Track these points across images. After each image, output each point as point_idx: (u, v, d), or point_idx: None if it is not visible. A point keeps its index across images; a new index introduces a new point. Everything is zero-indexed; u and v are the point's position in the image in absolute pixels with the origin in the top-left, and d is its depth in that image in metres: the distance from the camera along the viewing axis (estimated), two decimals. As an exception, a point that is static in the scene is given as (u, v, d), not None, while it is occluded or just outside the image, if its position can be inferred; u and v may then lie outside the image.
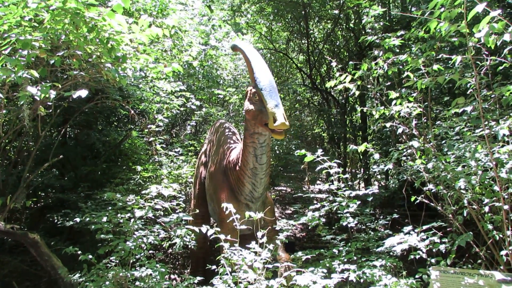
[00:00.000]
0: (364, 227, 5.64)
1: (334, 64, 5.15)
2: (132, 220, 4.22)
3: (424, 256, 4.65)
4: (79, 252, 4.10)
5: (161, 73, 5.13)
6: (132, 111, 6.13)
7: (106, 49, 3.78)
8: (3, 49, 3.29)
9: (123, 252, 3.99)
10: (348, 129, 10.95)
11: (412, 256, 4.67)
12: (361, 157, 10.80)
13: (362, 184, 11.18)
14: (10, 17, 3.44)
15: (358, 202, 5.44)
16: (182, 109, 8.33)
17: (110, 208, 5.81)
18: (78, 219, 4.57)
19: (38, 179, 7.13)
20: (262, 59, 5.01)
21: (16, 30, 3.44)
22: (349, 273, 4.61)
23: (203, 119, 9.42)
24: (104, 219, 4.21)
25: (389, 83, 5.47)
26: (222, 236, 4.52)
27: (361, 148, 4.82)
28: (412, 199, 5.00)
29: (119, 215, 4.32)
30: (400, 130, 4.64)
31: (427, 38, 4.81)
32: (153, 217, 4.58)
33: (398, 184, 7.70)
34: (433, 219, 7.63)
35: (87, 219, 4.43)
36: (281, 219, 6.74)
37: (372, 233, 5.63)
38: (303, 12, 10.04)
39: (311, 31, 10.79)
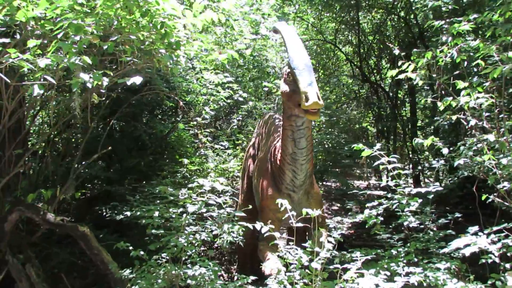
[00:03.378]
0: (422, 226, 5.27)
1: (396, 51, 4.80)
2: (184, 215, 4.02)
3: (497, 260, 4.26)
4: (131, 247, 3.94)
5: (217, 61, 4.89)
6: (181, 102, 5.95)
7: (159, 34, 3.58)
8: (55, 33, 3.13)
9: (175, 248, 3.79)
10: (398, 123, 10.50)
11: (483, 260, 4.30)
12: (410, 153, 10.33)
13: (411, 181, 10.72)
14: (62, 1, 3.29)
15: (420, 200, 5.09)
16: (228, 101, 8.13)
17: (158, 201, 5.68)
18: (128, 213, 4.40)
19: (85, 170, 7.08)
20: (297, 37, 4.73)
21: (69, 14, 3.28)
22: (413, 276, 4.28)
23: (248, 112, 9.17)
24: (156, 213, 4.02)
25: (456, 72, 5.06)
26: (277, 234, 4.28)
27: (428, 142, 4.46)
28: (484, 197, 4.60)
29: (170, 209, 4.12)
30: (472, 123, 4.25)
31: (502, 22, 4.38)
32: (203, 213, 4.36)
33: (456, 181, 7.26)
34: (493, 219, 7.18)
35: (138, 213, 4.26)
36: (333, 216, 6.44)
37: (431, 233, 5.26)
38: (353, 1, 9.65)
39: (361, 21, 10.37)
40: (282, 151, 4.92)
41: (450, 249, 4.67)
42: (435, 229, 5.46)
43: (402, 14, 10.02)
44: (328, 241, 4.42)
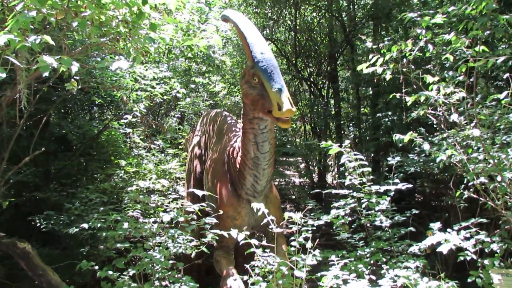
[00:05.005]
0: (382, 224, 5.15)
1: (369, 44, 4.60)
2: (155, 225, 3.47)
3: (474, 257, 4.20)
4: (96, 267, 3.31)
5: (196, 46, 4.34)
6: (125, 97, 5.31)
7: (133, 14, 3.03)
8: (14, 3, 2.46)
9: (150, 265, 3.23)
10: (330, 120, 10.50)
11: (461, 258, 4.23)
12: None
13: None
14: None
15: (388, 198, 4.97)
16: (165, 97, 7.52)
17: (102, 209, 5.05)
18: (85, 225, 3.73)
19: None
20: (259, 33, 4.35)
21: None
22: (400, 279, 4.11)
23: (186, 110, 8.60)
24: (125, 225, 3.40)
25: (429, 66, 4.99)
26: (254, 241, 3.90)
27: (407, 137, 4.29)
28: (457, 193, 4.55)
29: (140, 219, 3.54)
30: (454, 117, 4.14)
31: (476, 16, 4.33)
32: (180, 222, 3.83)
33: (400, 177, 7.29)
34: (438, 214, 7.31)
35: (99, 224, 3.60)
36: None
37: (389, 231, 5.16)
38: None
39: (294, 16, 10.22)
40: (243, 155, 4.53)
41: (423, 247, 4.57)
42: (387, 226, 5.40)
43: (326, 15, 10.07)
44: (292, 245, 4.14)
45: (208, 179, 5.43)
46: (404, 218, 5.32)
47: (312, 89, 10.80)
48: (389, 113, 7.66)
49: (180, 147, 7.90)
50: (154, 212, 3.85)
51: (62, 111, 7.96)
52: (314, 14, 10.68)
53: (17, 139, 5.95)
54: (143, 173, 7.02)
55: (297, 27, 10.24)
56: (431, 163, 6.79)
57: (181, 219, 3.53)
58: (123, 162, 6.58)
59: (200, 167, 6.13)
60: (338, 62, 10.99)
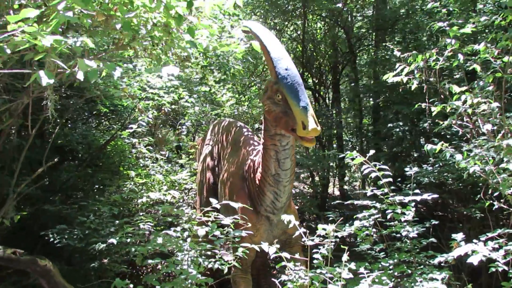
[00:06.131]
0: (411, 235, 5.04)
1: (398, 53, 4.52)
2: (188, 239, 3.30)
3: (506, 268, 4.10)
4: (131, 285, 3.13)
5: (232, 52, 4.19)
6: (140, 105, 5.16)
7: (170, 18, 2.89)
8: (55, 2, 2.30)
9: (186, 281, 3.06)
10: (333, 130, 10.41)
11: (492, 269, 4.12)
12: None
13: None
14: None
15: (413, 209, 4.86)
16: (173, 106, 7.36)
17: (118, 222, 4.88)
18: (114, 241, 3.54)
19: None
20: (282, 47, 4.25)
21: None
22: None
23: (196, 119, 8.43)
24: (159, 240, 3.22)
25: (457, 75, 4.93)
26: (285, 254, 3.75)
27: (438, 147, 4.20)
28: (487, 204, 4.46)
29: (173, 233, 3.37)
30: (488, 127, 4.05)
31: (505, 26, 4.29)
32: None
33: (413, 187, 7.21)
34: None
35: (128, 239, 3.42)
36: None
37: (408, 242, 5.05)
38: (291, 7, 9.47)
39: (303, 27, 10.20)
40: (264, 171, 4.41)
41: (450, 258, 4.47)
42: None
43: (334, 25, 10.04)
44: (314, 258, 4.01)
45: (224, 192, 5.26)
46: (424, 228, 5.23)
47: (317, 99, 10.74)
48: (400, 123, 7.59)
49: (191, 156, 7.72)
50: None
51: (58, 120, 7.74)
52: (318, 24, 10.66)
53: (20, 149, 5.74)
54: (151, 184, 6.85)
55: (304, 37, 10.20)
56: (445, 174, 6.75)
57: (217, 233, 3.37)
58: (132, 173, 6.40)
59: (213, 178, 5.97)
60: (343, 73, 10.97)
